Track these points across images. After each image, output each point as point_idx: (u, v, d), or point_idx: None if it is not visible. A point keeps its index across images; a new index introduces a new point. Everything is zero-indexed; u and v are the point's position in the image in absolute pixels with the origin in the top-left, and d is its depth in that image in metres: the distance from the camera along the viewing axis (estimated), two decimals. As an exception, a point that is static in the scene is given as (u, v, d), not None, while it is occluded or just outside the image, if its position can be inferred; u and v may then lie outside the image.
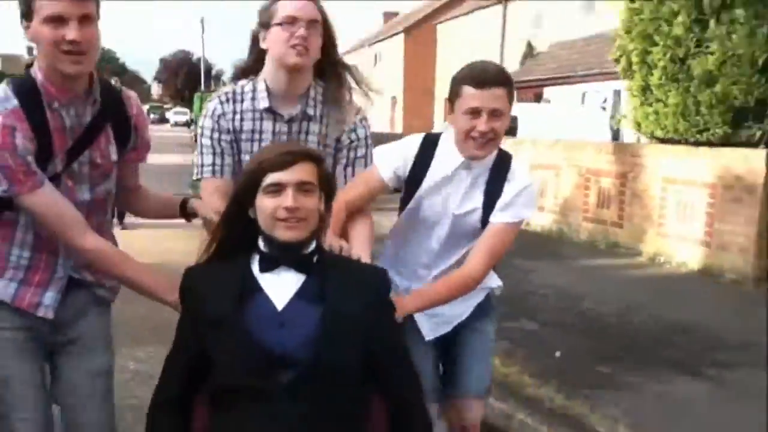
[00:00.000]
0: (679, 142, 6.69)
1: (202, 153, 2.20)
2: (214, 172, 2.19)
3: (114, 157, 2.04)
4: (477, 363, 2.38)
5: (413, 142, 2.25)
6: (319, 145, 2.18)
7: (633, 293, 5.76)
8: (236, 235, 1.77)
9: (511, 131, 10.20)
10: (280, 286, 1.72)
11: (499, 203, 2.15)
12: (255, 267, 1.74)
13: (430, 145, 2.23)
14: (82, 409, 2.07)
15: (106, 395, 2.12)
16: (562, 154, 8.61)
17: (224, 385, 1.67)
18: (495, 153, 2.17)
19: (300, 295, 1.71)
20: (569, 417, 3.37)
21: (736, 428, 3.29)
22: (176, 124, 44.93)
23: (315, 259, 1.75)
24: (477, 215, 2.18)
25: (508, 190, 2.16)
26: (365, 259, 1.99)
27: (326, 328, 1.65)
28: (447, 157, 2.19)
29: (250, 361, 1.64)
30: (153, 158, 2.21)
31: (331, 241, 1.92)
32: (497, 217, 2.15)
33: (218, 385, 1.69)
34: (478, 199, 2.17)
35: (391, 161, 2.23)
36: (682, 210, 6.63)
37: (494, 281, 2.38)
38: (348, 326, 1.68)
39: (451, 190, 2.20)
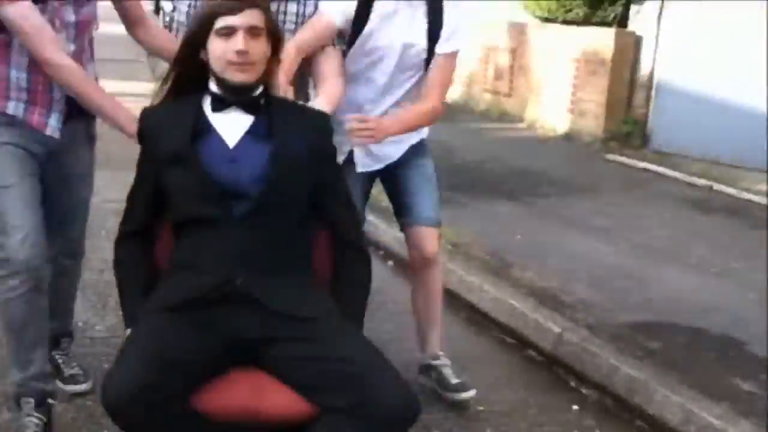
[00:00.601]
0: (555, 21, 7.67)
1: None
2: None
3: None
4: (420, 194, 2.59)
5: None
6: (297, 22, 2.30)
7: (500, 149, 6.89)
8: (189, 76, 1.85)
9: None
10: (231, 125, 1.81)
11: (444, 33, 2.31)
12: (207, 107, 1.83)
13: None
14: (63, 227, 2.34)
15: (83, 218, 2.44)
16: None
17: (182, 216, 1.82)
18: None
19: (250, 133, 1.81)
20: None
21: (518, 229, 4.49)
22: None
23: (263, 101, 1.85)
24: (422, 46, 2.33)
25: (448, 21, 2.32)
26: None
27: (275, 164, 1.77)
28: None
29: (204, 193, 1.76)
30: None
31: (282, 89, 2.02)
32: (442, 48, 2.32)
33: (176, 216, 1.83)
34: (421, 30, 2.32)
35: (337, 4, 2.32)
36: (555, 82, 7.69)
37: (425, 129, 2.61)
38: (295, 164, 1.80)
39: (396, 22, 2.32)
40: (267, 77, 1.86)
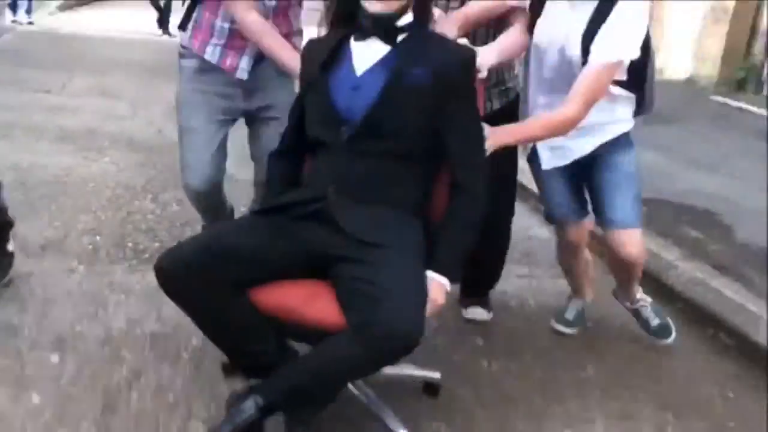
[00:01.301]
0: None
1: None
2: None
3: None
4: (612, 195, 2.35)
5: None
6: None
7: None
8: (343, 9, 1.89)
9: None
10: (366, 54, 1.84)
11: (597, 37, 2.08)
12: (353, 37, 1.88)
13: None
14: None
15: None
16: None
17: (310, 138, 1.93)
18: None
19: (381, 63, 1.83)
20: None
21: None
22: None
23: (408, 34, 1.84)
24: (578, 49, 2.13)
25: (607, 26, 2.08)
26: (486, 60, 2.02)
27: (385, 93, 1.79)
28: None
29: (323, 117, 1.86)
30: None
31: (442, 27, 2.03)
32: (594, 55, 2.08)
33: (309, 137, 1.94)
34: (577, 32, 2.12)
35: None
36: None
37: (625, 123, 2.32)
38: (410, 94, 1.79)
39: (560, 17, 2.17)
40: (421, 13, 1.88)
